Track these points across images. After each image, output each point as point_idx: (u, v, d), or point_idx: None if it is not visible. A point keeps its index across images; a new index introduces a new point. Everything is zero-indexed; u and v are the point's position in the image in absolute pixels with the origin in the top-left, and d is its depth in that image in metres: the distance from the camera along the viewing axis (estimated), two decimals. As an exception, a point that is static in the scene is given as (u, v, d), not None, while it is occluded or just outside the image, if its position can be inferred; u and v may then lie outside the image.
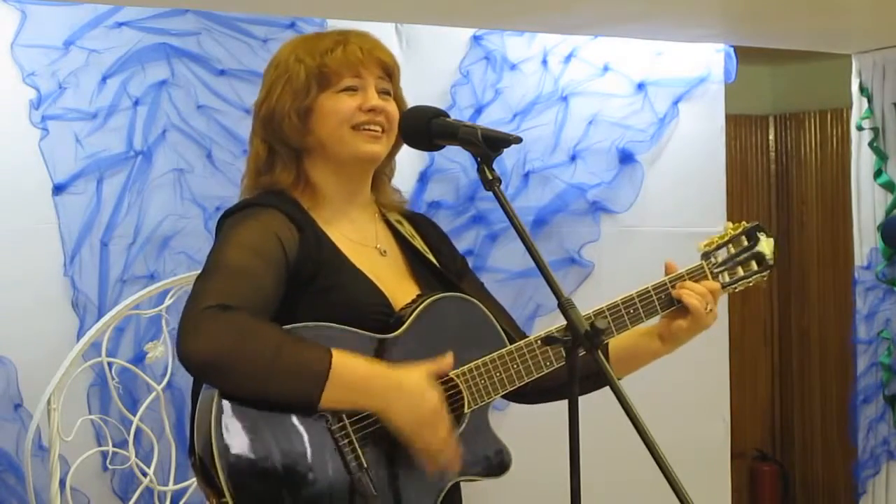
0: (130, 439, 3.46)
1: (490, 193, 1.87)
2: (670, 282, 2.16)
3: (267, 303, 1.92)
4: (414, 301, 2.04)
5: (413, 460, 1.93)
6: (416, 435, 1.89)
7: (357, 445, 1.91)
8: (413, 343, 2.00)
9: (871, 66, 4.72)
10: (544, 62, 4.29)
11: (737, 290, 2.25)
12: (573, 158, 4.33)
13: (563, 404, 1.74)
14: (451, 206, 4.12)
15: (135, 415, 3.48)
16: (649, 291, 2.14)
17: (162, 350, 3.48)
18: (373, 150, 2.07)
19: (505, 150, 1.92)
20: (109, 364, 3.45)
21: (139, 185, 3.67)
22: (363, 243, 2.09)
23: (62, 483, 3.37)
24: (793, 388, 6.00)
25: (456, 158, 4.05)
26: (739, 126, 5.88)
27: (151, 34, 3.70)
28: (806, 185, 5.92)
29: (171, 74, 3.72)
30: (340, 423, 1.91)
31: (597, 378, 1.84)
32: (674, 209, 4.48)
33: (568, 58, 4.32)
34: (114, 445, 3.50)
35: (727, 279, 2.22)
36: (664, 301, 2.15)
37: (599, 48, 4.36)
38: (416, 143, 2.04)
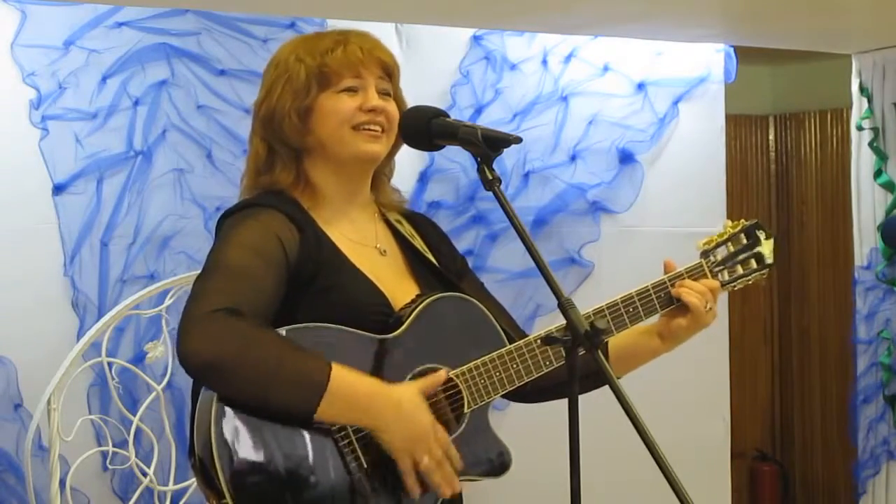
0: (130, 439, 3.46)
1: (490, 193, 1.87)
2: (670, 280, 2.16)
3: (267, 304, 1.92)
4: (413, 301, 2.04)
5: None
6: (407, 454, 1.89)
7: (357, 447, 1.91)
8: (412, 343, 2.00)
9: (871, 66, 4.72)
10: (544, 62, 4.29)
11: (736, 289, 2.25)
12: (573, 158, 4.33)
13: (563, 404, 1.74)
14: (451, 206, 4.12)
15: (135, 415, 3.48)
16: (649, 290, 2.14)
17: (162, 350, 3.48)
18: (373, 149, 2.07)
19: (505, 150, 1.92)
20: (109, 364, 3.45)
21: (139, 185, 3.67)
22: (363, 243, 2.09)
23: (62, 483, 3.37)
24: (793, 388, 6.00)
25: (456, 158, 4.05)
26: (739, 126, 5.88)
27: (151, 34, 3.70)
28: (806, 185, 5.92)
29: (171, 74, 3.72)
30: (341, 425, 1.91)
31: (596, 377, 1.84)
32: (674, 209, 4.48)
33: (568, 58, 4.32)
34: (114, 445, 3.50)
35: (726, 277, 2.22)
36: (664, 300, 2.15)
37: (599, 48, 4.36)
38: (416, 143, 2.04)
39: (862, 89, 4.76)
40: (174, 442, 3.51)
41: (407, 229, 2.19)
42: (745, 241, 2.23)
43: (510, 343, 2.08)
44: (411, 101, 2.13)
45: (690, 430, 4.36)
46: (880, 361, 4.76)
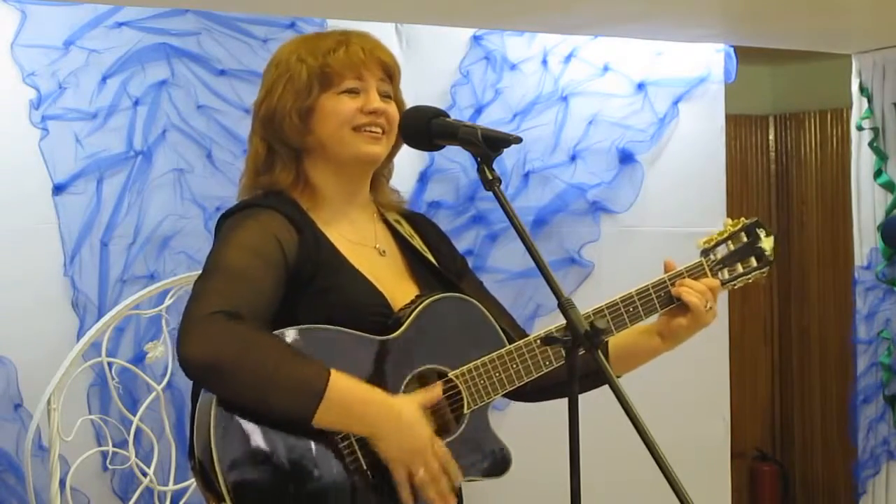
0: (130, 439, 3.46)
1: (490, 193, 1.87)
2: (669, 280, 2.16)
3: (266, 305, 1.92)
4: (412, 302, 2.04)
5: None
6: (402, 465, 1.89)
7: (357, 449, 1.91)
8: (412, 344, 2.00)
9: (871, 66, 4.72)
10: (544, 62, 4.29)
11: (737, 287, 2.25)
12: (573, 158, 4.33)
13: (563, 404, 1.74)
14: (451, 206, 4.12)
15: (135, 415, 3.48)
16: (648, 289, 2.14)
17: (162, 350, 3.48)
18: (373, 151, 2.07)
19: (505, 150, 1.92)
20: (109, 364, 3.45)
21: (139, 185, 3.67)
22: (362, 244, 2.09)
23: (62, 483, 3.37)
24: (793, 388, 6.00)
25: (456, 158, 4.05)
26: (739, 126, 5.88)
27: (151, 34, 3.70)
28: (806, 185, 5.92)
29: (171, 74, 3.72)
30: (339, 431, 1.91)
31: (596, 377, 1.84)
32: (674, 209, 4.48)
33: (568, 58, 4.32)
34: (114, 445, 3.50)
35: (726, 276, 2.21)
36: (663, 299, 2.14)
37: (599, 48, 4.36)
38: (416, 143, 2.04)
39: (862, 89, 4.76)
40: (174, 442, 3.51)
41: (406, 229, 2.19)
42: (745, 240, 2.23)
43: (510, 343, 2.08)
44: (411, 101, 2.13)
45: (690, 430, 4.36)
46: (880, 361, 4.76)
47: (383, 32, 3.42)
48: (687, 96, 4.50)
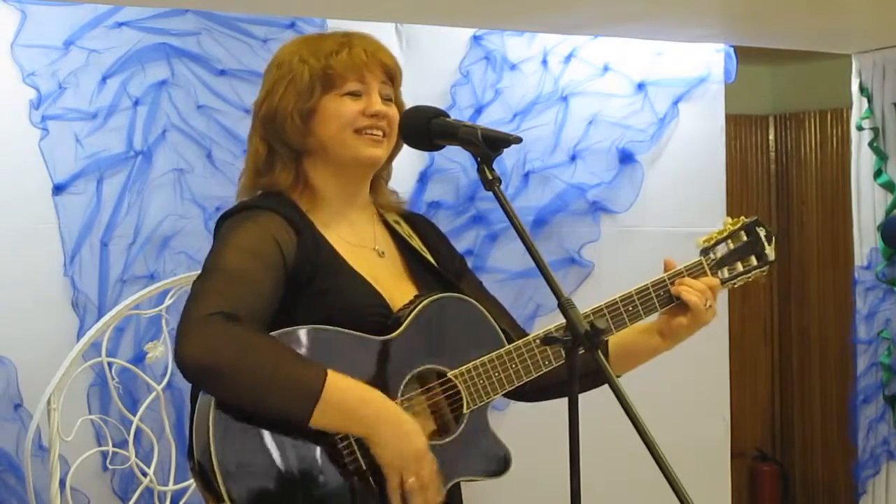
0: (130, 439, 3.46)
1: (490, 193, 1.87)
2: (669, 279, 2.16)
3: (265, 307, 1.92)
4: (411, 302, 2.04)
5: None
6: (396, 471, 1.89)
7: (357, 450, 1.91)
8: (411, 344, 2.00)
9: (871, 66, 4.72)
10: (544, 62, 4.29)
11: (736, 286, 2.24)
12: (573, 158, 4.33)
13: (563, 404, 1.74)
14: (451, 206, 4.12)
15: (135, 415, 3.48)
16: (648, 289, 2.14)
17: (162, 350, 3.48)
18: (374, 154, 2.07)
19: (505, 150, 1.92)
20: (109, 364, 3.45)
21: (139, 185, 3.67)
22: (361, 245, 2.09)
23: (62, 483, 3.37)
24: (793, 388, 6.00)
25: (456, 158, 4.05)
26: (739, 126, 5.88)
27: (151, 34, 3.69)
28: (806, 185, 5.92)
29: (171, 74, 3.72)
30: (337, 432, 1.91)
31: (596, 376, 1.83)
32: (674, 209, 4.48)
33: (568, 58, 4.32)
34: (114, 445, 3.50)
35: (726, 275, 2.21)
36: (663, 298, 2.14)
37: (599, 48, 4.36)
38: (416, 143, 2.04)
39: (862, 89, 4.76)
40: (174, 442, 3.51)
41: (405, 230, 2.19)
42: (744, 238, 2.23)
43: (509, 343, 2.08)
44: (411, 101, 2.13)
45: (690, 429, 4.36)
46: (880, 361, 4.76)
47: (383, 32, 3.42)
48: (687, 96, 4.50)
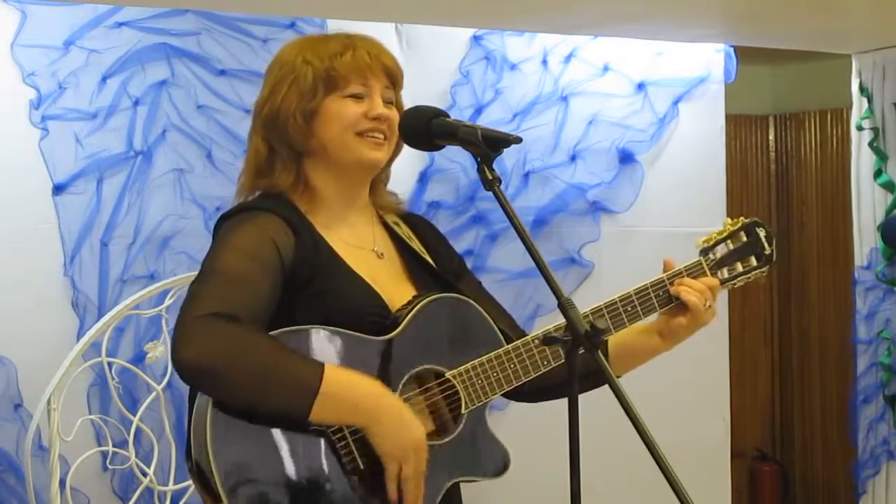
0: (130, 439, 3.46)
1: (490, 193, 1.86)
2: (668, 279, 2.15)
3: (263, 308, 1.92)
4: (410, 302, 2.04)
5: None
6: (395, 460, 1.90)
7: (354, 448, 1.91)
8: (409, 344, 2.00)
9: (871, 66, 4.72)
10: (544, 62, 4.29)
11: (736, 286, 2.24)
12: (573, 158, 4.33)
13: (563, 404, 1.74)
14: (451, 206, 4.12)
15: (135, 415, 3.48)
16: (647, 289, 2.14)
17: (162, 350, 3.48)
18: (375, 157, 2.07)
19: (505, 150, 1.91)
20: (109, 364, 3.45)
21: (139, 185, 3.67)
22: (360, 246, 2.09)
23: (62, 483, 3.37)
24: (793, 388, 6.00)
25: (456, 158, 4.05)
26: (739, 126, 5.88)
27: (151, 34, 3.70)
28: (806, 185, 5.92)
29: (171, 74, 3.72)
30: (338, 426, 1.91)
31: (595, 376, 1.83)
32: (674, 209, 4.48)
33: (568, 58, 4.32)
34: (114, 445, 3.50)
35: (726, 275, 2.21)
36: (662, 298, 2.14)
37: (599, 48, 4.36)
38: (416, 143, 2.03)
39: (862, 89, 4.76)
40: (174, 442, 3.51)
41: (404, 231, 2.19)
42: (744, 239, 2.22)
43: (508, 343, 2.08)
44: (411, 101, 2.13)
45: (690, 430, 4.36)
46: (880, 361, 4.76)
47: (383, 32, 3.43)
48: (687, 96, 4.50)
